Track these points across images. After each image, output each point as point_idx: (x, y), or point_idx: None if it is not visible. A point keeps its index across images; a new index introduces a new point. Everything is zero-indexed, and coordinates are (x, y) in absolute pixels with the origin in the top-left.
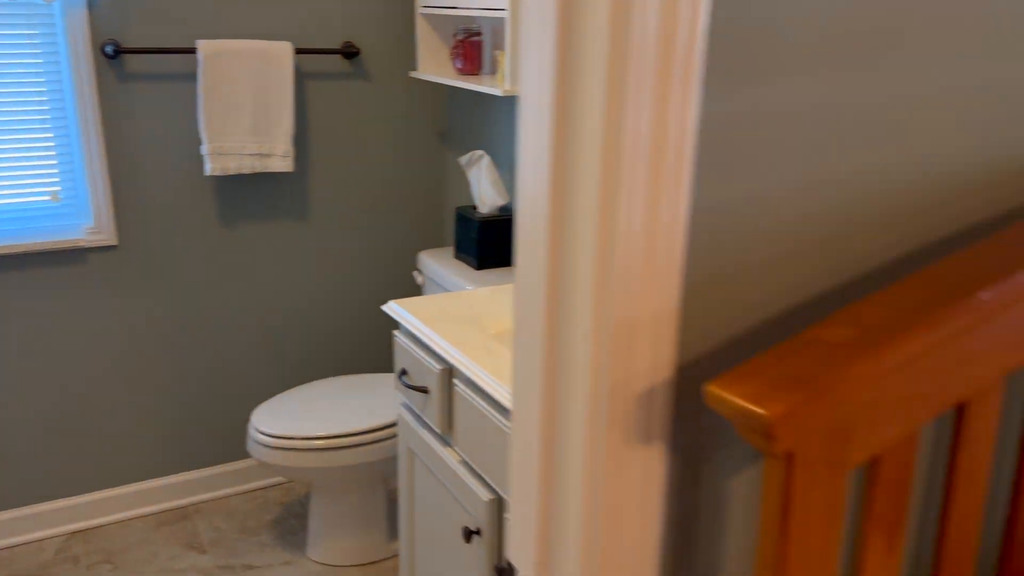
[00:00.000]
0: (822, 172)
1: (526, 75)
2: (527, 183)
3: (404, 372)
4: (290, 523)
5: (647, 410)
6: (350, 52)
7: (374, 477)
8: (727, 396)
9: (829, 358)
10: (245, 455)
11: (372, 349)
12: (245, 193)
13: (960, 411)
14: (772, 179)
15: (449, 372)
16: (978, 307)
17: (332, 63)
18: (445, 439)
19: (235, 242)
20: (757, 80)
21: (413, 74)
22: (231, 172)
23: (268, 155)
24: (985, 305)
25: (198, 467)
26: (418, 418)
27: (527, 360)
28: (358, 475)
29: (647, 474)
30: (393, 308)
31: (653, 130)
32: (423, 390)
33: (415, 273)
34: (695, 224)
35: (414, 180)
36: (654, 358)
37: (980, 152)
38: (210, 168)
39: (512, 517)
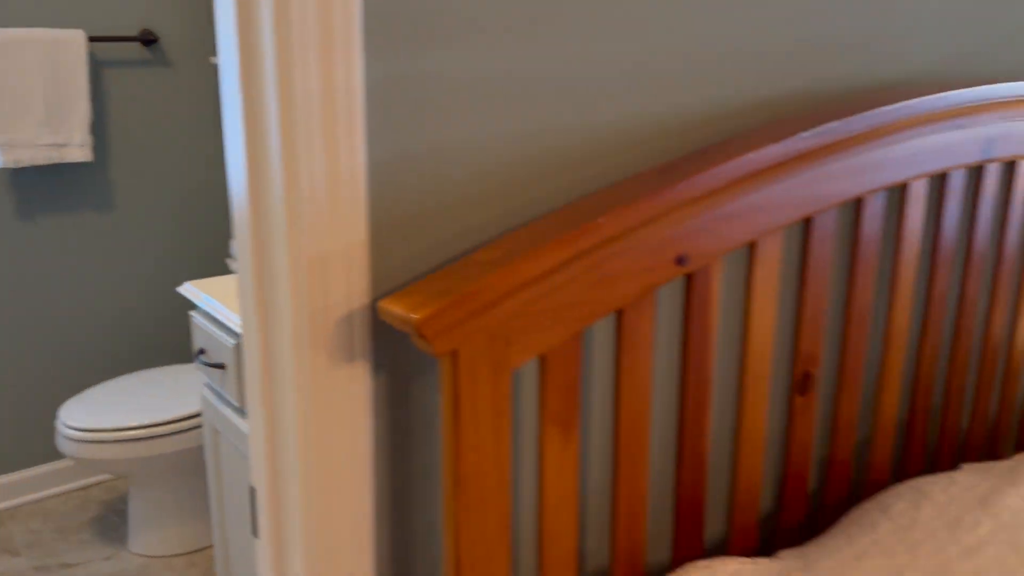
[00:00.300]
0: (497, 129)
1: (221, 43)
2: (229, 141)
3: (202, 351)
4: (111, 520)
5: (348, 335)
6: (148, 39)
7: (191, 465)
8: (391, 308)
9: (474, 273)
10: (60, 455)
11: (185, 340)
12: (44, 185)
13: (618, 319)
14: (446, 135)
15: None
16: (598, 230)
17: (130, 51)
18: (243, 412)
19: (35, 235)
20: (420, 46)
21: (214, 60)
22: (25, 164)
23: (64, 145)
24: (604, 228)
25: (8, 471)
26: (219, 395)
27: (246, 295)
28: (174, 464)
29: (353, 392)
30: (188, 288)
31: (322, 91)
32: (220, 366)
33: (228, 260)
34: (375, 173)
35: (222, 166)
36: (348, 288)
37: (639, 114)
38: (2, 161)
39: (250, 444)
